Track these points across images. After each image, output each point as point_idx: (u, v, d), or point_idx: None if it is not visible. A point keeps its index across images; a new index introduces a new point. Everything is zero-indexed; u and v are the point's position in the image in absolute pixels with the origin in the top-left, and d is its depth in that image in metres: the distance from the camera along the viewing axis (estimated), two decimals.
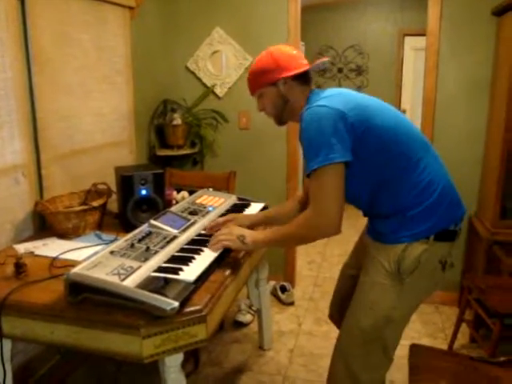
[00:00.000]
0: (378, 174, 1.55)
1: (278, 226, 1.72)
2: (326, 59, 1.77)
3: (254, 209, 2.27)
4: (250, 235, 1.72)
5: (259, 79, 1.71)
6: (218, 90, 3.42)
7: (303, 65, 1.68)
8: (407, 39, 5.74)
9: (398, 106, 5.93)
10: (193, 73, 3.46)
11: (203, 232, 1.95)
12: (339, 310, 1.90)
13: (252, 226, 1.96)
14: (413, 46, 5.74)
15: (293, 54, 1.69)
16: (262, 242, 1.72)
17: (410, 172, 1.53)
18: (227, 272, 1.69)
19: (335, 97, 1.56)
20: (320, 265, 4.08)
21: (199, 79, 3.45)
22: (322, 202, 1.49)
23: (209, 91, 3.43)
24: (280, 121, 1.79)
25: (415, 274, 1.54)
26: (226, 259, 1.75)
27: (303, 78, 1.68)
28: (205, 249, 1.75)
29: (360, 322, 1.61)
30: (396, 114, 1.64)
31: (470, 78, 2.98)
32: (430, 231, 1.54)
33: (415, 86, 5.73)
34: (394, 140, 1.54)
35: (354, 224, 3.15)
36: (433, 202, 1.53)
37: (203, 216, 2.08)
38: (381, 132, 1.52)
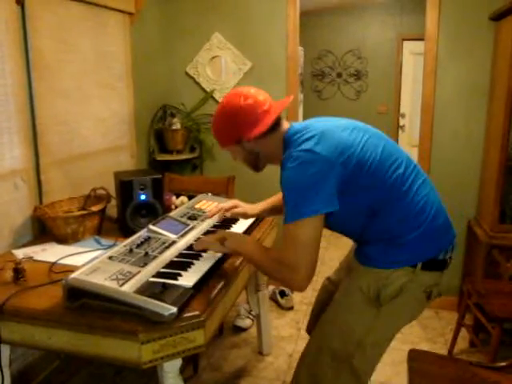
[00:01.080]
0: (369, 207, 1.48)
1: (263, 246, 1.65)
2: (290, 97, 1.65)
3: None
4: (230, 239, 1.62)
5: (221, 138, 1.61)
6: (217, 95, 3.43)
7: (265, 115, 1.52)
8: (406, 44, 5.76)
9: (397, 110, 5.94)
10: (192, 78, 3.47)
11: (203, 237, 1.94)
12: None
13: (257, 215, 2.07)
14: (412, 51, 5.75)
15: (250, 107, 1.52)
16: (237, 250, 1.63)
17: (402, 200, 1.47)
18: (226, 277, 1.68)
19: (318, 138, 1.43)
20: (319, 269, 4.03)
21: (198, 84, 3.46)
22: (294, 256, 1.39)
23: (208, 96, 3.44)
24: (256, 169, 1.68)
25: (394, 302, 1.48)
26: (225, 265, 1.75)
27: (270, 128, 1.53)
28: (203, 254, 1.75)
29: (330, 342, 1.55)
30: (381, 138, 1.54)
31: (469, 83, 3.00)
32: (417, 259, 1.48)
33: (414, 91, 5.74)
34: (384, 172, 1.46)
35: None
36: (425, 227, 1.47)
37: (202, 221, 2.08)
38: (369, 167, 1.44)
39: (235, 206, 2.06)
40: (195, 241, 1.89)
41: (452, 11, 2.93)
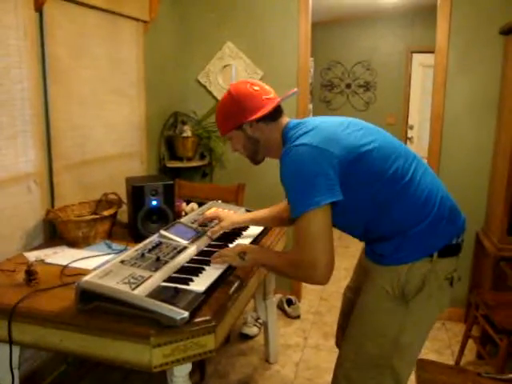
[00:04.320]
0: (372, 201, 1.47)
1: (279, 252, 1.67)
2: (294, 90, 1.69)
3: None
4: (251, 252, 1.64)
5: (224, 123, 1.65)
6: None
7: (269, 101, 1.59)
8: (415, 56, 5.78)
9: (406, 122, 5.95)
10: (203, 86, 3.50)
11: (213, 243, 1.96)
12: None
13: (238, 225, 2.05)
14: (421, 63, 5.78)
15: (256, 92, 1.59)
16: (259, 263, 1.67)
17: (406, 192, 1.46)
18: (236, 283, 1.70)
19: (314, 132, 1.46)
20: None
21: (210, 92, 3.49)
22: (309, 252, 1.38)
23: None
24: (255, 160, 1.71)
25: (421, 295, 1.47)
26: (236, 271, 1.76)
27: (271, 116, 1.58)
28: None
29: (365, 346, 1.53)
30: (378, 132, 1.56)
31: (478, 96, 3.01)
32: (434, 248, 1.47)
33: (423, 103, 5.76)
34: (383, 164, 1.46)
35: None
36: (434, 216, 1.46)
37: (213, 228, 2.09)
38: (367, 160, 1.44)
39: (217, 218, 2.07)
40: (206, 248, 1.91)
41: (462, 24, 2.95)
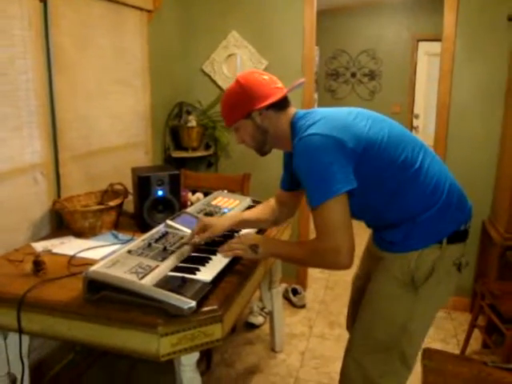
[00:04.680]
0: (382, 189, 1.49)
1: (295, 242, 1.66)
2: (302, 80, 1.68)
3: None
4: (263, 245, 1.61)
5: (232, 113, 1.62)
6: None
7: (278, 90, 1.58)
8: (421, 44, 5.74)
9: (411, 111, 5.92)
10: (208, 75, 3.49)
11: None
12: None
13: (227, 231, 1.84)
14: (426, 51, 5.74)
15: (264, 81, 1.58)
16: (273, 254, 1.67)
17: (415, 179, 1.48)
18: (243, 273, 1.70)
19: (324, 122, 1.46)
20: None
21: (214, 82, 3.48)
22: (332, 239, 1.40)
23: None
24: (262, 152, 1.68)
25: (430, 281, 1.49)
26: (242, 260, 1.76)
27: (280, 105, 1.58)
28: None
29: (374, 332, 1.57)
30: (386, 121, 1.56)
31: (485, 84, 2.98)
32: (442, 234, 1.49)
33: (428, 91, 5.73)
34: (392, 153, 1.47)
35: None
36: (442, 203, 1.48)
37: (219, 218, 2.09)
38: (378, 148, 1.45)
39: (204, 228, 1.78)
40: (213, 242, 1.85)
41: (470, 11, 2.92)
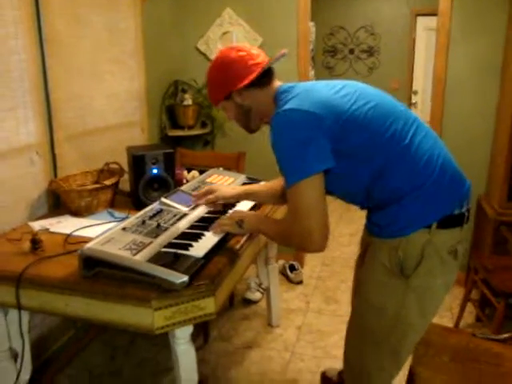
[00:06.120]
0: (370, 166, 1.41)
1: (276, 219, 1.68)
2: (283, 51, 1.59)
3: None
4: (248, 220, 1.65)
5: (213, 94, 1.60)
6: None
7: (256, 66, 1.51)
8: (420, 19, 5.68)
9: (410, 87, 5.89)
10: (203, 54, 3.47)
11: (212, 210, 1.98)
12: None
13: (232, 198, 1.91)
14: (426, 26, 5.67)
15: (242, 57, 1.51)
16: (256, 230, 1.69)
17: (404, 156, 1.40)
18: (235, 248, 1.73)
19: (304, 96, 1.41)
20: (329, 244, 4.09)
21: (210, 60, 3.46)
22: (304, 222, 1.37)
23: None
24: (249, 129, 1.66)
25: (420, 270, 1.40)
26: (234, 236, 1.79)
27: (262, 80, 1.52)
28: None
29: (368, 321, 1.53)
30: (377, 95, 1.49)
31: (481, 59, 2.97)
32: (431, 218, 1.39)
33: (427, 67, 5.68)
34: (378, 127, 1.40)
35: None
36: (431, 183, 1.39)
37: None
38: (362, 122, 1.39)
39: (210, 192, 1.90)
40: (206, 214, 1.93)
41: None
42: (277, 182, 1.89)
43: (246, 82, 1.50)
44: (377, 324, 1.50)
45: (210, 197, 1.87)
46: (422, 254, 1.40)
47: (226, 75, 1.52)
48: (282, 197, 1.84)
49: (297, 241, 1.43)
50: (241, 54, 1.53)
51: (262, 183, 2.02)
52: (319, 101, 1.39)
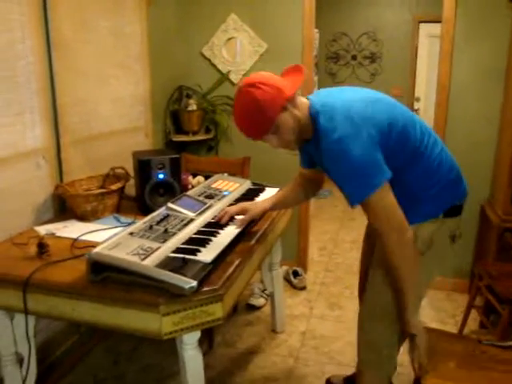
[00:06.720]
0: (394, 169, 1.49)
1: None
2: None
3: (269, 193, 2.30)
4: (418, 331, 1.61)
5: (269, 113, 1.45)
6: (232, 77, 3.44)
7: (294, 73, 1.54)
8: (422, 26, 5.70)
9: (412, 94, 5.90)
10: (208, 59, 3.48)
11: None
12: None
13: (263, 213, 1.97)
14: (428, 33, 5.69)
15: (271, 73, 1.52)
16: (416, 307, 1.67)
17: (422, 160, 1.55)
18: (243, 254, 1.73)
19: (345, 119, 1.43)
20: (332, 251, 4.12)
21: (214, 66, 3.48)
22: (393, 221, 1.46)
23: (224, 78, 3.46)
24: (299, 143, 1.63)
25: (427, 253, 1.58)
26: (242, 242, 1.80)
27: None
28: (221, 231, 1.80)
29: (379, 306, 1.65)
30: (391, 102, 1.59)
31: (485, 65, 2.98)
32: (439, 210, 1.58)
33: (430, 74, 5.69)
34: (400, 133, 1.50)
35: None
36: (444, 182, 1.57)
37: (219, 200, 2.12)
38: (390, 129, 1.48)
39: (243, 211, 1.93)
40: (213, 220, 1.94)
41: None
42: (295, 186, 1.96)
43: (297, 85, 1.50)
44: (387, 307, 1.62)
45: (246, 218, 1.91)
46: (432, 238, 1.58)
47: (277, 84, 1.47)
48: (305, 197, 2.01)
49: (399, 239, 1.48)
50: (267, 72, 1.54)
51: (282, 190, 2.02)
52: (365, 118, 1.45)
